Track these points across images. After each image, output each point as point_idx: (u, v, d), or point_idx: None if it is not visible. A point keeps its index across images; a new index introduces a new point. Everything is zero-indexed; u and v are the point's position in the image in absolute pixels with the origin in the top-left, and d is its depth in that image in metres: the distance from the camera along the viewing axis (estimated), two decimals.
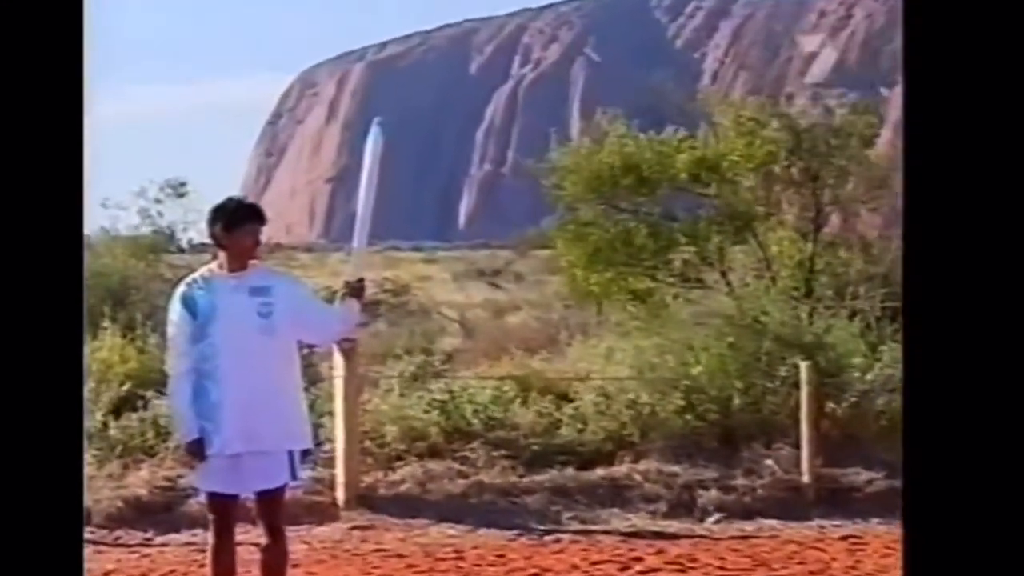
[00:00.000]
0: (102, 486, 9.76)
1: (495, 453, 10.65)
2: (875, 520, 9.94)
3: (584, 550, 9.14)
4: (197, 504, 8.49)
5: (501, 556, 8.95)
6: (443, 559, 8.86)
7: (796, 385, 10.98)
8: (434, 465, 10.50)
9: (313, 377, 10.50)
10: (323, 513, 9.84)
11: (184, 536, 9.22)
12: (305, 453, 6.20)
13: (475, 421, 11.00)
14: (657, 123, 16.46)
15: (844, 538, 9.58)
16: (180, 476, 9.62)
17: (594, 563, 8.74)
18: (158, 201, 19.00)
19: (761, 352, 11.58)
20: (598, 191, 15.38)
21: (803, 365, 10.92)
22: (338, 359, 10.15)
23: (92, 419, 10.31)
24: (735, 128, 15.35)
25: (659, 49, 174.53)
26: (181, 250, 19.61)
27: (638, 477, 10.54)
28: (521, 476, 10.48)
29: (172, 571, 8.49)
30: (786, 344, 11.63)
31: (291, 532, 6.76)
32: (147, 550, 9.10)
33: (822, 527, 10.05)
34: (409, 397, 11.24)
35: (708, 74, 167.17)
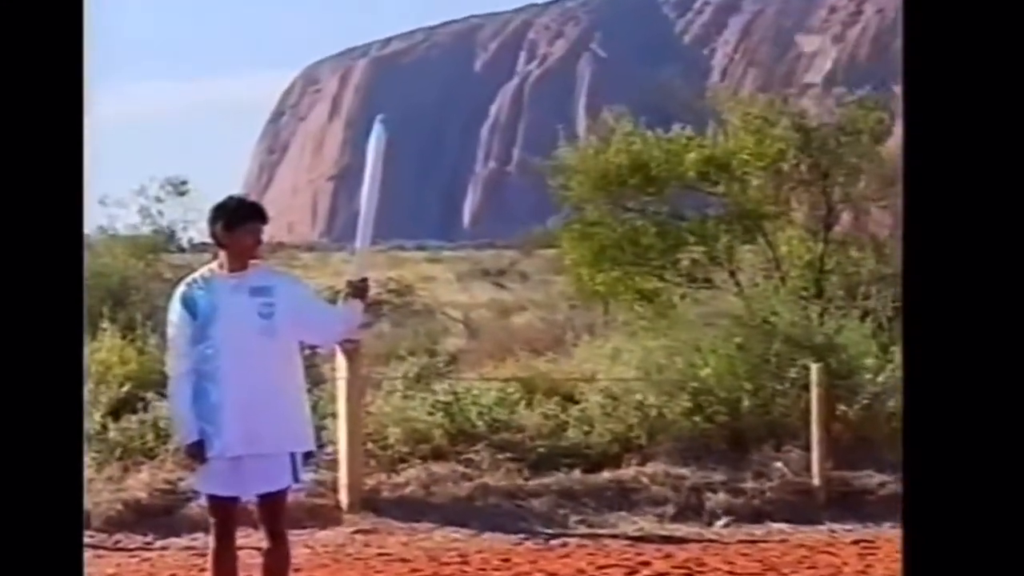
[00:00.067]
0: (101, 489, 9.77)
1: (500, 455, 10.65)
2: (887, 524, 9.92)
3: (591, 554, 9.14)
4: (198, 507, 8.49)
5: (506, 560, 8.95)
6: (447, 563, 8.86)
7: (806, 387, 10.97)
8: (438, 468, 10.50)
9: (315, 378, 10.51)
10: (325, 516, 9.85)
11: (184, 540, 9.23)
12: (307, 455, 6.20)
13: (480, 423, 11.01)
14: (665, 120, 16.45)
15: (855, 542, 9.57)
16: (180, 479, 9.62)
17: (601, 567, 8.74)
18: (158, 200, 19.04)
19: (771, 353, 11.57)
20: (605, 190, 15.37)
21: (813, 366, 10.92)
22: (341, 360, 10.15)
23: (91, 421, 10.31)
24: (744, 126, 15.34)
25: (667, 45, 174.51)
26: (181, 249, 19.63)
27: (645, 480, 10.54)
28: (527, 479, 10.48)
29: (172, 575, 8.50)
30: (796, 345, 11.62)
31: (293, 536, 6.76)
32: (147, 554, 9.10)
33: (833, 531, 10.05)
34: (413, 399, 11.24)
35: (717, 71, 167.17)
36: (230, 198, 6.19)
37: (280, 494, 6.05)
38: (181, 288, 6.06)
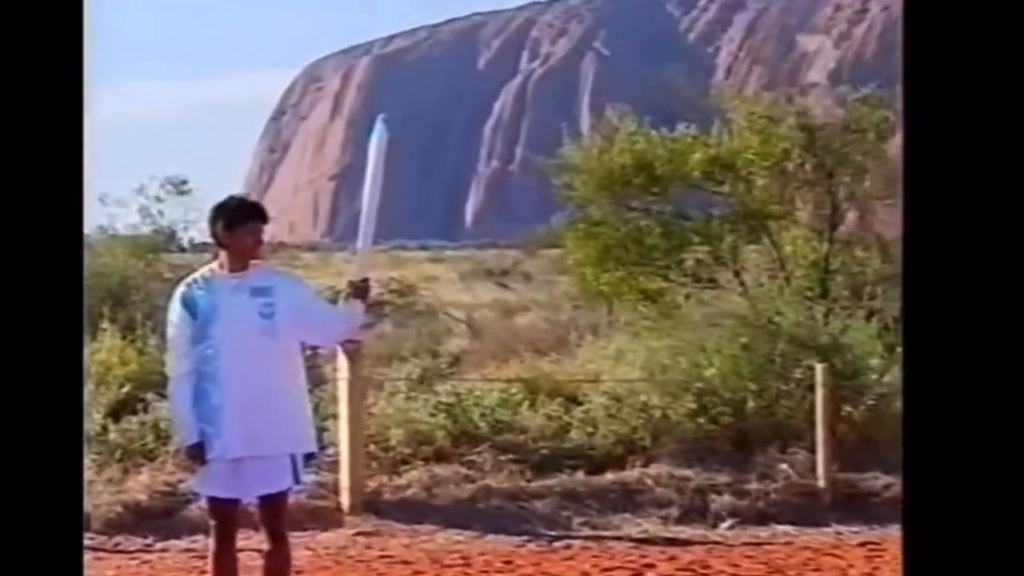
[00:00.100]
0: (101, 491, 9.78)
1: (503, 457, 10.65)
2: (893, 526, 9.90)
3: (595, 556, 9.15)
4: (198, 509, 8.50)
5: (509, 563, 8.95)
6: (450, 566, 8.86)
7: (811, 387, 10.97)
8: (440, 469, 10.51)
9: (317, 379, 10.51)
10: (327, 518, 9.85)
11: (185, 542, 9.23)
12: (308, 457, 6.21)
13: (482, 424, 11.01)
14: (669, 119, 16.44)
15: (862, 544, 9.57)
16: (181, 481, 9.63)
17: (605, 570, 8.74)
18: (159, 199, 19.04)
19: (775, 354, 11.57)
20: (609, 189, 15.37)
21: (819, 367, 10.91)
22: (342, 361, 10.16)
23: (91, 422, 10.32)
24: (749, 125, 15.33)
25: (671, 43, 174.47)
26: (182, 249, 19.63)
27: (649, 482, 10.54)
28: (530, 481, 10.48)
29: None
30: (801, 345, 11.62)
31: (294, 538, 6.77)
32: (147, 556, 9.11)
33: (839, 533, 10.04)
34: (415, 400, 11.25)
35: (721, 69, 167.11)
36: (231, 198, 6.20)
37: (281, 496, 6.05)
38: (181, 288, 6.07)
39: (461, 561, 8.97)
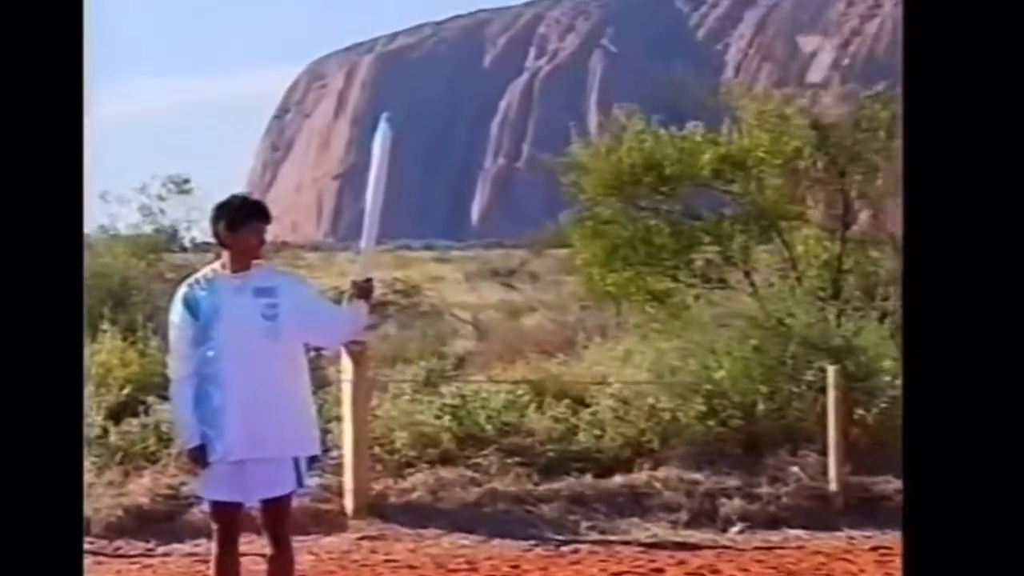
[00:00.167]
0: (102, 494, 9.78)
1: (509, 460, 10.65)
2: None
3: (602, 561, 9.14)
4: (200, 513, 8.50)
5: (516, 567, 8.95)
6: (455, 570, 8.86)
7: (823, 390, 10.95)
8: (446, 472, 10.50)
9: (321, 381, 10.51)
10: (331, 522, 9.85)
11: (187, 546, 9.24)
12: (312, 460, 6.20)
13: (489, 427, 11.00)
14: (678, 117, 16.44)
15: (874, 549, 9.55)
16: (183, 484, 9.63)
17: (613, 574, 8.75)
18: (160, 198, 19.07)
19: (786, 355, 11.56)
20: (617, 189, 15.36)
21: (830, 369, 10.90)
22: (346, 362, 10.16)
23: (91, 424, 10.33)
24: (759, 123, 15.32)
25: (680, 40, 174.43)
26: (184, 249, 19.67)
27: (658, 485, 10.53)
28: (536, 484, 10.47)
29: None
30: (812, 347, 11.61)
31: (297, 542, 6.77)
32: (149, 561, 9.12)
33: (851, 537, 10.03)
34: (420, 402, 11.25)
35: (731, 66, 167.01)
36: (233, 197, 6.20)
37: (284, 499, 6.05)
38: (183, 289, 6.07)
39: (467, 566, 8.96)
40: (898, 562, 8.92)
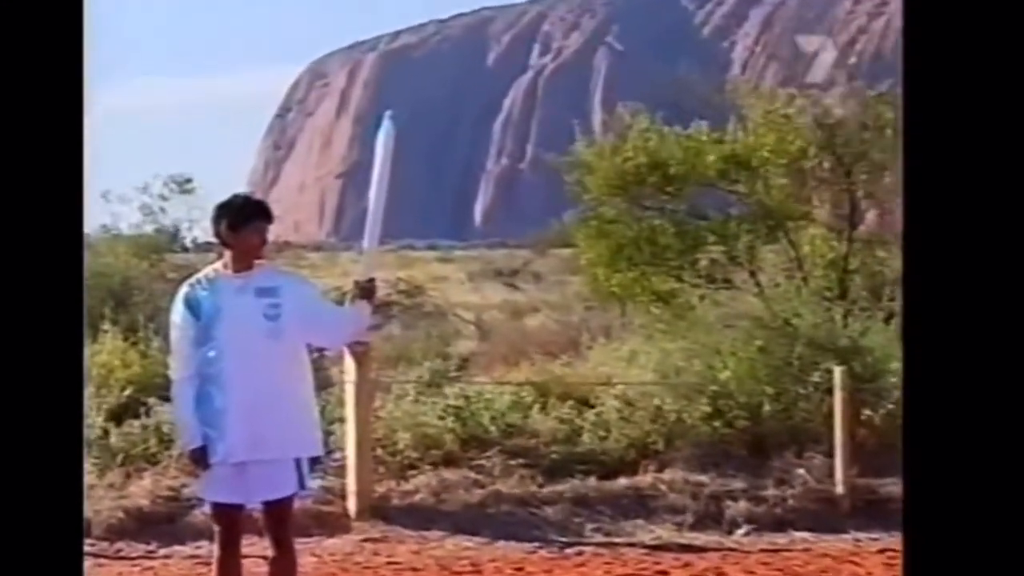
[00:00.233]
0: (103, 496, 9.79)
1: (513, 462, 10.65)
2: None
3: (607, 564, 9.14)
4: (201, 515, 8.50)
5: (520, 570, 8.95)
6: (459, 572, 8.86)
7: (829, 391, 10.95)
8: (449, 474, 10.50)
9: (323, 382, 10.51)
10: (333, 524, 9.85)
11: (188, 548, 9.24)
12: (314, 461, 6.20)
13: (492, 428, 11.00)
14: (683, 116, 16.42)
15: (881, 551, 9.54)
16: (184, 486, 9.64)
17: None
18: (162, 198, 19.10)
19: (792, 356, 11.55)
20: (622, 188, 15.35)
21: (837, 370, 10.89)
22: (349, 363, 10.16)
23: (92, 426, 10.34)
24: (765, 122, 15.31)
25: (685, 38, 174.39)
26: (185, 249, 19.69)
27: (663, 487, 10.52)
28: (541, 486, 10.47)
29: None
30: (819, 348, 11.60)
31: (300, 544, 6.77)
32: (149, 563, 9.12)
33: (858, 540, 10.02)
34: (423, 403, 11.25)
35: (737, 64, 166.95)
36: (235, 196, 6.20)
37: (286, 501, 6.05)
38: (184, 289, 6.07)
39: (470, 568, 8.96)
40: None
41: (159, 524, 9.68)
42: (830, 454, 10.75)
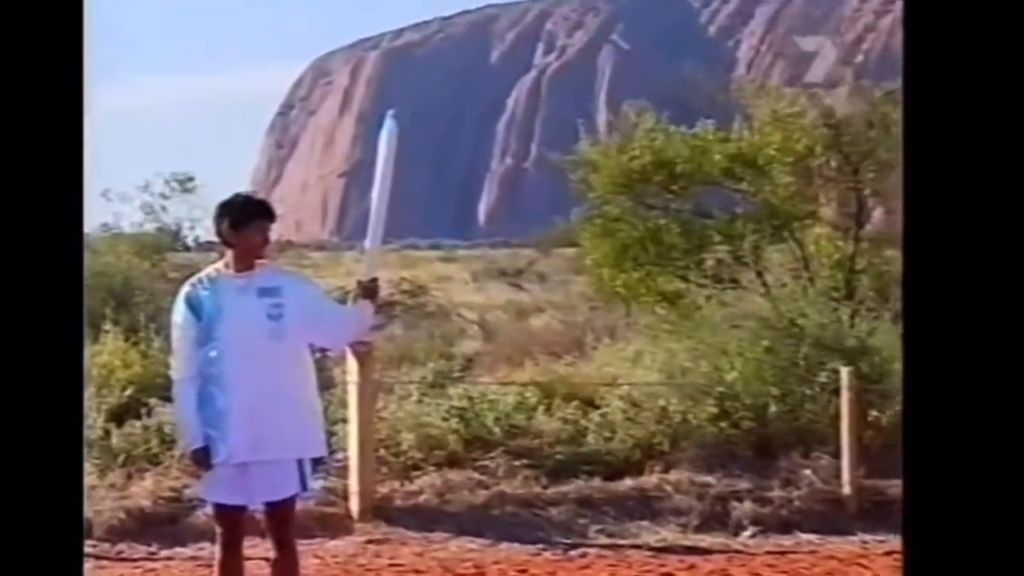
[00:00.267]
0: (104, 497, 9.79)
1: (517, 463, 10.64)
2: None
3: (612, 565, 9.13)
4: (203, 516, 8.51)
5: (524, 571, 8.95)
6: (463, 574, 8.86)
7: (836, 391, 10.94)
8: (453, 475, 10.50)
9: (326, 383, 10.51)
10: (336, 526, 9.85)
11: (190, 550, 9.24)
12: (317, 462, 6.20)
13: (496, 429, 11.00)
14: (688, 115, 16.41)
15: (888, 554, 9.52)
16: (185, 486, 9.64)
17: None
18: (164, 196, 19.11)
19: (799, 356, 11.54)
20: (627, 187, 15.34)
21: (844, 370, 10.88)
22: (352, 363, 10.16)
23: (93, 427, 10.34)
24: (771, 120, 15.30)
25: (691, 36, 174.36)
26: (187, 248, 19.70)
27: (669, 488, 10.52)
28: (545, 487, 10.47)
29: None
30: (826, 348, 11.59)
31: (302, 546, 6.77)
32: (151, 564, 9.12)
33: (865, 542, 10.01)
34: (427, 403, 11.25)
35: (743, 63, 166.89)
36: (237, 195, 6.20)
37: (288, 502, 6.05)
38: (186, 288, 6.07)
39: (474, 570, 8.96)
40: None
41: (160, 525, 9.68)
42: (837, 455, 10.74)
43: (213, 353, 5.91)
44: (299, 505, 6.26)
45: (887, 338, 11.85)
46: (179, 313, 6.03)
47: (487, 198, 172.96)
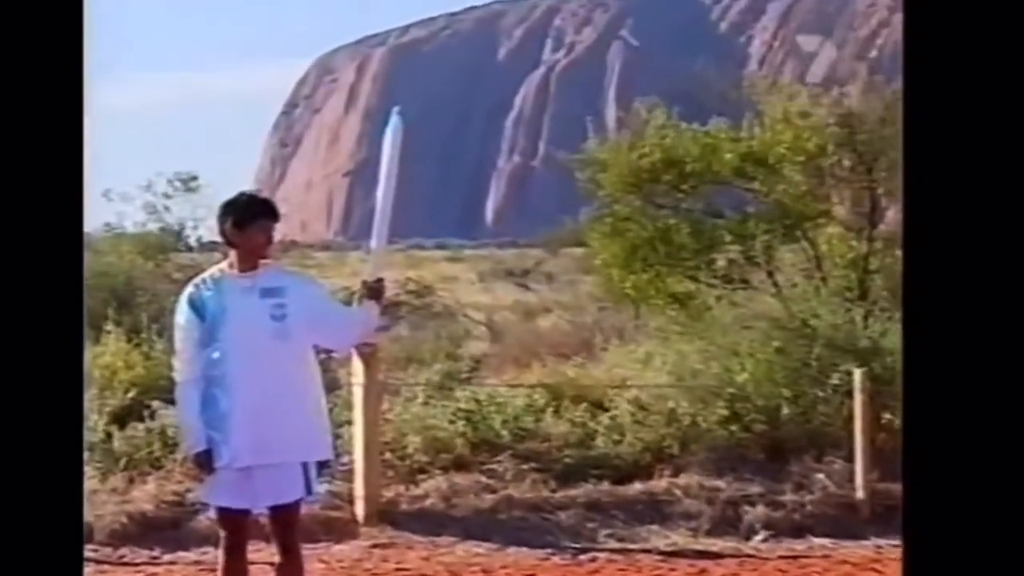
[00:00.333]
0: (105, 501, 9.80)
1: (525, 466, 10.64)
2: None
3: (621, 570, 9.13)
4: (206, 520, 8.51)
5: None
6: None
7: (849, 393, 10.92)
8: (460, 479, 10.50)
9: (331, 384, 10.50)
10: (341, 530, 9.86)
11: (193, 554, 9.25)
12: (322, 465, 6.20)
13: (504, 432, 11.00)
14: (699, 112, 16.39)
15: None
16: (188, 490, 9.65)
17: None
18: (166, 196, 19.13)
19: (811, 358, 11.52)
20: (637, 186, 15.33)
21: (857, 372, 10.87)
22: (357, 365, 10.16)
23: (95, 429, 10.35)
24: (783, 118, 15.28)
25: (701, 32, 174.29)
26: (190, 248, 19.71)
27: (679, 492, 10.51)
28: (553, 491, 10.47)
29: None
30: (838, 349, 11.57)
31: (307, 550, 6.77)
32: (153, 569, 9.13)
33: (878, 546, 9.99)
34: (433, 406, 11.24)
35: (754, 59, 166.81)
36: (241, 194, 6.21)
37: (293, 506, 6.05)
38: (189, 289, 6.08)
39: (482, 574, 8.96)
40: None
41: (163, 529, 9.69)
42: (850, 458, 10.72)
43: (216, 354, 5.91)
44: (304, 509, 6.26)
45: (900, 339, 11.83)
46: (182, 314, 6.03)
47: (494, 197, 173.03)
